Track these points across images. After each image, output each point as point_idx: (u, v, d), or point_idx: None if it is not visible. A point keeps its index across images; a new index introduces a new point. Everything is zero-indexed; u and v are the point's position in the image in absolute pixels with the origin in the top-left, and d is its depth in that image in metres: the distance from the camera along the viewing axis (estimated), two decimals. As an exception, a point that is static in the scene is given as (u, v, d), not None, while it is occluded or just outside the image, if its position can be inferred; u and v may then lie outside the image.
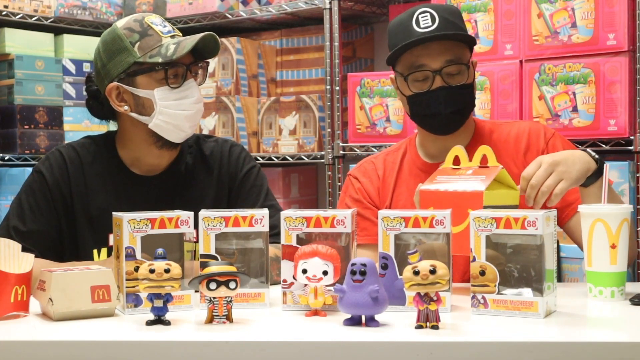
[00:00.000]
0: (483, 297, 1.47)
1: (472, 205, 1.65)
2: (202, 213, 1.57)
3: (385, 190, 2.10)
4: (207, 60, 1.99)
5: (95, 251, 1.96)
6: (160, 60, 1.89)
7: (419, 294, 1.36)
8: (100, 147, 2.05)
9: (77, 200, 1.98)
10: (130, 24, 1.94)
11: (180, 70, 1.92)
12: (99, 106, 2.04)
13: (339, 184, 3.29)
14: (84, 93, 2.12)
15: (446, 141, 2.02)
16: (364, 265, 1.39)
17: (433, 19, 1.95)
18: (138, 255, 1.53)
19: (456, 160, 1.82)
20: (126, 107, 1.94)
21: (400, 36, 1.96)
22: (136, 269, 1.49)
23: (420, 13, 1.96)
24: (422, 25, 1.94)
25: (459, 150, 1.81)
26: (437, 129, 2.02)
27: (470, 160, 1.80)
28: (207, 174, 2.06)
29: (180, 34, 1.98)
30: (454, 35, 1.95)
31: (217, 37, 1.94)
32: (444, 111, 1.95)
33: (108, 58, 1.94)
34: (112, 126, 2.13)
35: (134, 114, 1.94)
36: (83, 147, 2.04)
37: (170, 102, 1.91)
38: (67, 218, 1.98)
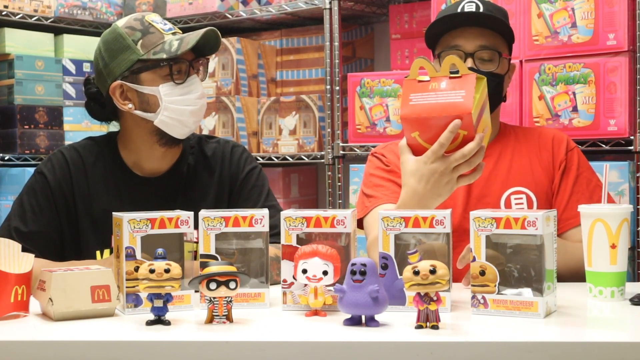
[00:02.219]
0: (483, 297, 1.47)
1: (462, 126, 1.65)
2: (202, 213, 1.57)
3: None
4: (208, 57, 1.99)
5: (97, 252, 1.96)
6: (164, 56, 1.89)
7: (419, 294, 1.36)
8: (103, 148, 2.05)
9: (79, 201, 1.98)
10: (131, 22, 1.95)
11: (183, 66, 1.93)
12: (99, 108, 2.04)
13: (339, 184, 3.29)
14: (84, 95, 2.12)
15: None
16: (364, 265, 1.39)
17: (477, 8, 2.02)
18: (138, 255, 1.53)
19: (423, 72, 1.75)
20: (130, 105, 1.95)
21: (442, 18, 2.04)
22: (136, 269, 1.49)
23: (467, 2, 2.04)
24: (465, 10, 2.02)
25: (423, 61, 1.74)
26: None
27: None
28: (209, 174, 2.07)
29: (181, 32, 1.99)
30: (489, 17, 2.01)
31: (219, 32, 1.95)
32: None
33: (110, 57, 1.94)
34: (112, 127, 2.13)
35: (138, 112, 1.94)
36: (85, 148, 2.04)
37: (175, 97, 1.92)
38: (69, 219, 1.98)
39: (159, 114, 1.92)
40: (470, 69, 1.98)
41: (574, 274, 1.84)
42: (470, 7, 2.02)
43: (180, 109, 1.92)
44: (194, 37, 1.90)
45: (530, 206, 2.04)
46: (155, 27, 1.94)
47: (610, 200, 2.04)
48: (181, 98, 1.92)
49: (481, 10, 2.02)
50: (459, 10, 2.03)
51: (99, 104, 2.03)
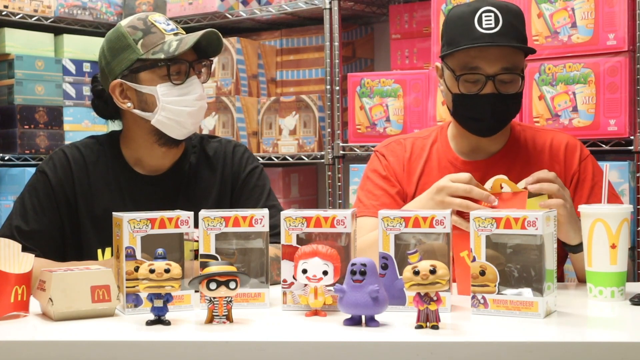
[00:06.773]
0: (483, 297, 1.47)
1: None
2: (202, 213, 1.57)
3: (410, 173, 2.07)
4: (211, 58, 2.00)
5: (99, 251, 1.96)
6: (162, 56, 1.90)
7: (419, 294, 1.36)
8: (104, 147, 2.05)
9: (81, 200, 1.98)
10: (134, 22, 1.96)
11: (183, 67, 1.93)
12: (103, 105, 2.05)
13: (339, 184, 3.29)
14: (90, 93, 2.13)
15: (480, 140, 2.00)
16: (364, 265, 1.39)
17: (497, 21, 1.88)
18: (138, 255, 1.53)
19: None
20: (129, 104, 1.95)
21: (460, 31, 1.90)
22: (136, 269, 1.49)
23: (484, 11, 1.88)
24: (484, 26, 1.88)
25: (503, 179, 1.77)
26: (477, 132, 1.97)
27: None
28: (211, 173, 2.07)
29: (184, 32, 2.00)
30: (510, 38, 1.88)
31: (220, 34, 1.95)
32: (489, 119, 1.91)
33: (112, 56, 1.95)
34: (113, 126, 2.13)
35: (136, 111, 1.95)
36: (87, 147, 2.05)
37: (172, 98, 1.92)
38: (70, 218, 1.98)
39: (156, 114, 1.93)
40: (491, 94, 1.89)
41: None
42: (488, 19, 1.87)
43: (177, 109, 1.93)
44: (192, 38, 1.91)
45: None
46: (157, 27, 1.95)
47: (618, 200, 2.01)
48: (179, 99, 1.93)
49: (500, 22, 1.87)
50: (475, 20, 1.88)
51: (103, 102, 2.04)
